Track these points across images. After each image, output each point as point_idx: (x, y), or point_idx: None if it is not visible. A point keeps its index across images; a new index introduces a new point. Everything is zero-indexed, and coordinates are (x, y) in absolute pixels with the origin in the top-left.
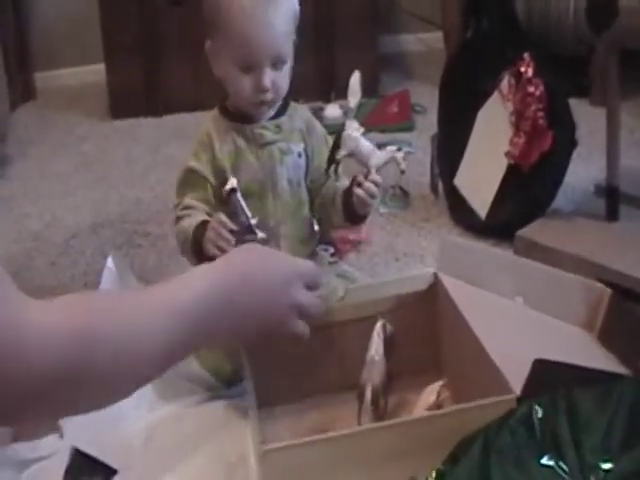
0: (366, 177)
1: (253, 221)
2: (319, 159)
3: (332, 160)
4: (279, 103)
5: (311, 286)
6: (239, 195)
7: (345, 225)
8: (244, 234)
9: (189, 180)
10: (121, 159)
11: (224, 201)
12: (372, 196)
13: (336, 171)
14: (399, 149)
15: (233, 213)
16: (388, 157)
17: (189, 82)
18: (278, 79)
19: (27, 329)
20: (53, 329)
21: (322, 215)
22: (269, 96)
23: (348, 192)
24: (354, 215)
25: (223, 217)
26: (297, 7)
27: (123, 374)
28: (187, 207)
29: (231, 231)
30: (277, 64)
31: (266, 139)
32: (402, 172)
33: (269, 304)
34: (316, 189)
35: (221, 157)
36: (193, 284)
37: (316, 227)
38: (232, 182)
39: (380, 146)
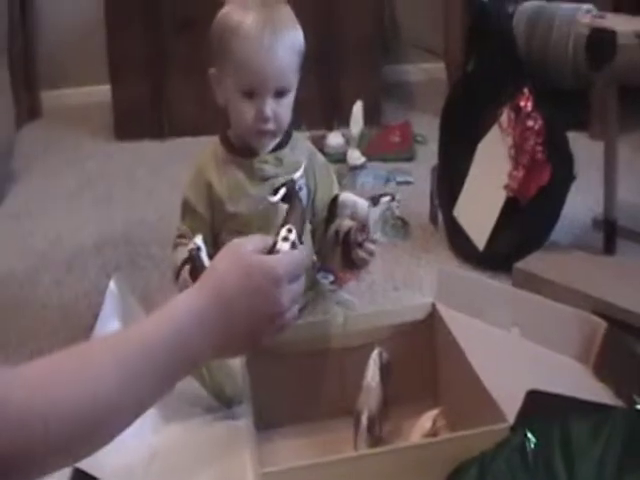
0: (363, 232)
1: None
2: (321, 191)
3: (328, 224)
4: (280, 135)
5: (293, 279)
6: (203, 254)
7: (344, 270)
8: None
9: (185, 209)
10: (125, 179)
11: (190, 257)
12: (372, 255)
13: (336, 241)
14: (392, 198)
15: (201, 268)
16: (383, 209)
17: (194, 106)
18: (280, 109)
19: None
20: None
21: (322, 254)
22: (270, 126)
23: (347, 243)
24: (353, 265)
25: (187, 277)
26: (302, 43)
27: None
28: (181, 235)
29: None
30: (280, 94)
31: (266, 173)
32: (398, 218)
33: (253, 318)
34: (317, 222)
35: (219, 188)
36: (172, 313)
37: (314, 258)
38: (195, 241)
39: (374, 199)
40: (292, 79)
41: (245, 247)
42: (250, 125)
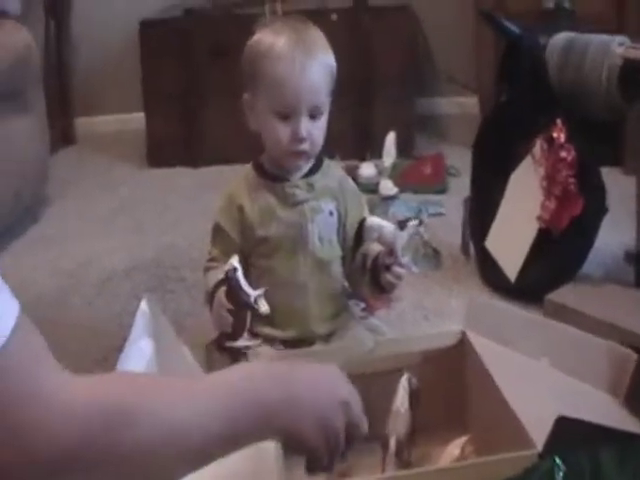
0: (391, 255)
1: (258, 292)
2: (352, 217)
3: (356, 249)
4: (314, 157)
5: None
6: (239, 274)
7: (374, 295)
8: (245, 310)
9: (216, 234)
10: (157, 206)
11: (226, 278)
12: (400, 279)
13: (364, 266)
14: (420, 223)
15: (238, 288)
16: (411, 233)
17: (227, 134)
18: (314, 130)
19: (51, 402)
20: (80, 404)
21: (352, 280)
22: (305, 146)
23: (375, 267)
24: (382, 290)
25: (223, 299)
26: (334, 64)
27: (153, 460)
28: (213, 259)
29: (230, 310)
30: (314, 114)
31: (297, 198)
32: (425, 245)
33: (321, 396)
34: (348, 248)
35: (250, 213)
36: (251, 369)
37: (345, 283)
38: (232, 262)
39: (401, 223)
40: (325, 99)
41: None
42: (285, 146)
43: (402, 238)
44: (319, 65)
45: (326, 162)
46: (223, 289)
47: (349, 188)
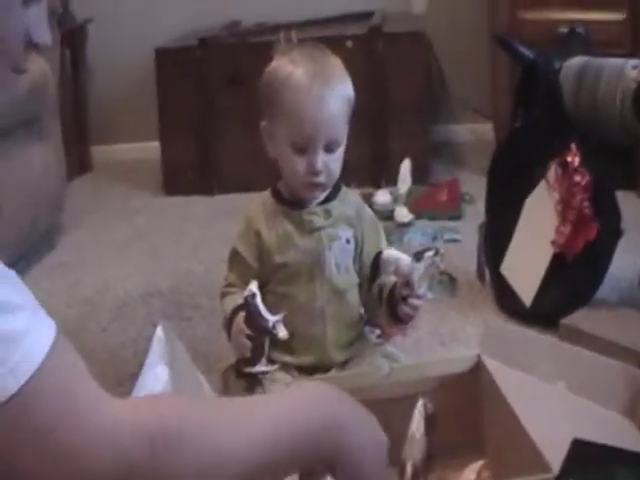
0: (408, 287)
1: (277, 317)
2: (368, 245)
3: (373, 279)
4: (330, 187)
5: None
6: (258, 300)
7: (391, 325)
8: (264, 336)
9: (234, 259)
10: (173, 233)
11: (245, 304)
12: (416, 310)
13: (380, 296)
14: (436, 253)
15: (257, 314)
16: (428, 264)
17: (243, 162)
18: (331, 162)
19: (93, 424)
20: (125, 428)
21: (368, 308)
22: (321, 179)
23: (392, 298)
24: (399, 320)
25: (241, 324)
26: (352, 94)
27: None
28: (230, 285)
29: (249, 336)
30: (331, 147)
31: (315, 225)
32: (441, 273)
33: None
34: (364, 276)
35: (268, 239)
36: (300, 395)
37: (362, 311)
38: (251, 288)
39: (418, 254)
40: (343, 130)
41: None
42: (301, 178)
43: (418, 270)
44: (337, 97)
45: (343, 189)
46: (242, 315)
47: (366, 216)
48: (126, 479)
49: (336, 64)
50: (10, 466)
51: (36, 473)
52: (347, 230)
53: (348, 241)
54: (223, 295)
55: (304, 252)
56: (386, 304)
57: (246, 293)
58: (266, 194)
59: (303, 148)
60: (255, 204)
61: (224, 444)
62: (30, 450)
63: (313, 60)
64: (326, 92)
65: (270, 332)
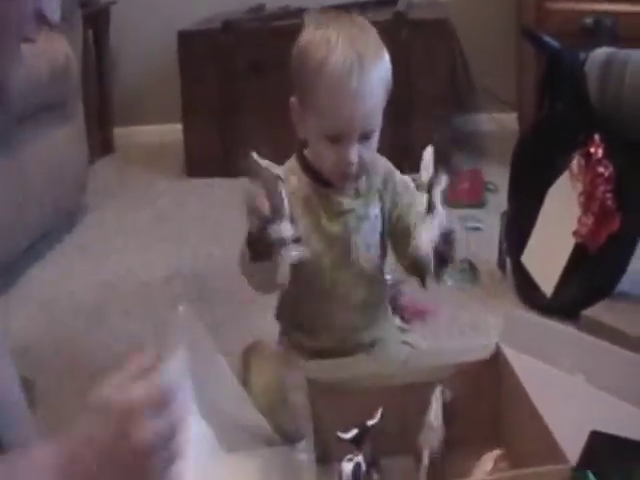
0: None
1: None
2: (400, 209)
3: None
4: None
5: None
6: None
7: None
8: (280, 193)
9: None
10: (195, 216)
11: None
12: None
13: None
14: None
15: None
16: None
17: (265, 146)
18: (365, 152)
19: None
20: None
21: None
22: (354, 169)
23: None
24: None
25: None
26: (389, 73)
27: None
28: None
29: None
30: (367, 135)
31: (343, 207)
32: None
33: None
34: (397, 235)
35: (294, 203)
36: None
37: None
38: (279, 170)
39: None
40: (379, 117)
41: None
42: (333, 168)
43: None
44: (375, 86)
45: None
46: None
47: (395, 178)
48: None
49: (374, 43)
50: None
51: None
52: (376, 205)
53: (377, 217)
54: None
55: (330, 238)
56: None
57: (277, 171)
58: (292, 161)
59: (337, 139)
60: (285, 165)
61: None
62: None
63: (350, 41)
64: (364, 86)
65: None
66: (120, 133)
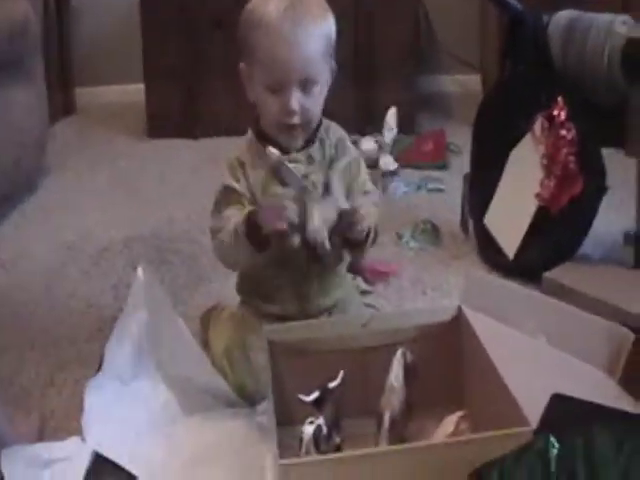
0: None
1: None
2: (348, 180)
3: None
4: (311, 129)
5: None
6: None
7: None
8: (303, 194)
9: (226, 197)
10: (156, 178)
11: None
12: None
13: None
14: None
15: (291, 173)
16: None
17: (228, 106)
18: (307, 102)
19: None
20: None
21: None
22: (296, 119)
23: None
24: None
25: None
26: (331, 30)
27: None
28: (226, 218)
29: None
30: (306, 86)
31: (297, 173)
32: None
33: None
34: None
35: (253, 182)
36: None
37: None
38: (274, 152)
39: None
40: (320, 69)
41: None
42: (276, 119)
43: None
44: (311, 35)
45: (324, 125)
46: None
47: (346, 150)
48: None
49: (316, 3)
50: None
51: None
52: (327, 172)
53: (327, 185)
54: (217, 231)
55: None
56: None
57: (274, 158)
58: (249, 136)
59: (277, 89)
60: (239, 149)
61: None
62: None
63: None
64: (297, 32)
65: (307, 188)
66: (82, 93)
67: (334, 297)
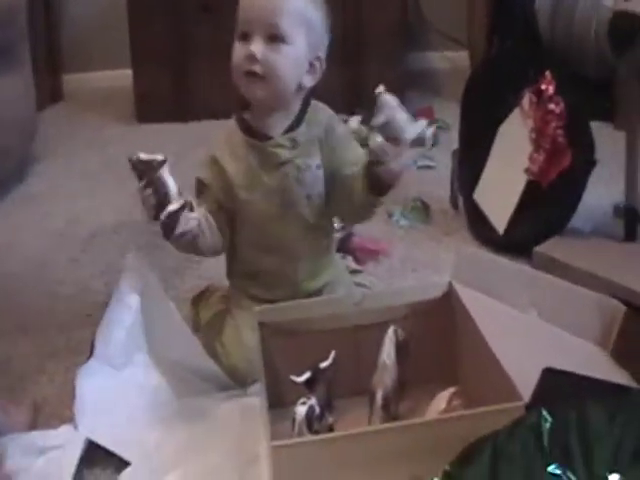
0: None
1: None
2: (341, 160)
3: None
4: (273, 87)
5: None
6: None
7: (368, 199)
8: (157, 177)
9: (200, 190)
10: None
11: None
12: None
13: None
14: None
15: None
16: (419, 131)
17: (216, 89)
18: (272, 56)
19: None
20: None
21: (342, 204)
22: (257, 68)
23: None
24: (377, 191)
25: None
26: (310, 9)
27: None
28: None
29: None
30: (273, 39)
31: (280, 159)
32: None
33: None
34: (342, 185)
35: (233, 173)
36: None
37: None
38: (159, 156)
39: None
40: (289, 25)
41: None
42: (239, 64)
43: (410, 133)
44: None
45: (312, 107)
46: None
47: (336, 130)
48: None
49: None
50: None
51: None
52: (317, 155)
53: (318, 167)
54: None
55: (270, 191)
56: (368, 168)
57: (160, 158)
58: (231, 125)
59: (244, 36)
60: (219, 140)
61: None
62: None
63: None
64: None
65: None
66: (70, 79)
67: (323, 279)
